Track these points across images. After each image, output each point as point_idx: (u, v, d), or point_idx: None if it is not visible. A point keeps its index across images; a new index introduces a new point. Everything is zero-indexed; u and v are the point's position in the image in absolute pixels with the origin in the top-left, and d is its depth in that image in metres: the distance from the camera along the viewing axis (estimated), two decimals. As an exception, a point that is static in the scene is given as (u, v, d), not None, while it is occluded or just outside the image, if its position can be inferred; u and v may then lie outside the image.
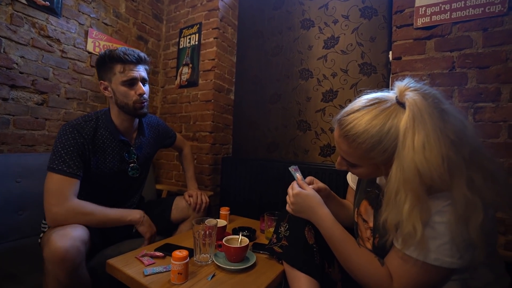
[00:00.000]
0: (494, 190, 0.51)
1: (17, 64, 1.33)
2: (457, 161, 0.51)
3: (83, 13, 1.62)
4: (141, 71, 1.03)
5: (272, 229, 1.08)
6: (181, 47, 2.06)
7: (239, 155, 1.98)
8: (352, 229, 0.83)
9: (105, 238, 1.04)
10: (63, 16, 1.52)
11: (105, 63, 0.99)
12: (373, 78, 1.48)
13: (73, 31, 1.57)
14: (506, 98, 1.03)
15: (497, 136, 1.03)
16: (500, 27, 1.04)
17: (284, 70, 1.78)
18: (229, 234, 1.02)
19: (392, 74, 1.25)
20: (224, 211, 1.24)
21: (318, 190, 0.78)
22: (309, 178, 0.83)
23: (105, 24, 1.76)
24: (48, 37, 1.45)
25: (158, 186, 1.90)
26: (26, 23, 1.36)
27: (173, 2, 2.16)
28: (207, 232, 0.83)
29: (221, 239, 0.87)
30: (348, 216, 0.89)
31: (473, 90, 1.08)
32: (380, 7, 1.47)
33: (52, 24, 1.46)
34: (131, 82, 1.00)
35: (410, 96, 0.55)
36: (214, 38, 1.87)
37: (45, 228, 0.98)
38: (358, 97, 0.65)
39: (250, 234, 1.06)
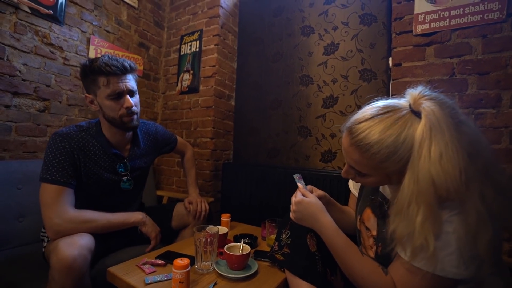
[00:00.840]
0: (503, 204, 0.51)
1: (20, 71, 1.34)
2: (473, 174, 0.50)
3: (85, 21, 1.64)
4: (127, 81, 0.95)
5: (273, 236, 1.07)
6: (182, 53, 2.07)
7: (240, 161, 1.97)
8: (354, 236, 0.82)
9: (106, 246, 1.03)
10: (66, 24, 1.54)
11: (87, 75, 0.92)
12: (373, 84, 1.48)
13: (76, 39, 1.59)
14: (507, 104, 1.03)
15: (498, 142, 1.03)
16: (499, 34, 1.05)
17: (284, 76, 1.79)
18: (230, 241, 1.02)
19: (393, 80, 1.26)
20: (225, 217, 1.24)
21: (318, 198, 0.77)
22: (308, 187, 0.83)
23: (107, 31, 1.78)
24: (51, 44, 1.47)
25: (159, 192, 1.90)
26: (29, 31, 1.38)
27: (174, 10, 2.19)
28: (209, 240, 0.82)
29: (223, 247, 0.86)
30: (349, 223, 0.88)
31: (473, 96, 1.08)
32: (379, 14, 1.48)
33: (55, 32, 1.48)
34: (117, 96, 0.93)
35: (426, 105, 0.54)
36: (215, 44, 1.89)
37: (44, 235, 0.97)
38: (368, 104, 0.63)
39: (252, 241, 1.06)
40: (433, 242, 0.50)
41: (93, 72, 0.90)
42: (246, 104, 1.99)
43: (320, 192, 0.83)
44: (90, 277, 0.84)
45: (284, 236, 0.80)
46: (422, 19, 1.19)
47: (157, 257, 0.90)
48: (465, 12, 1.10)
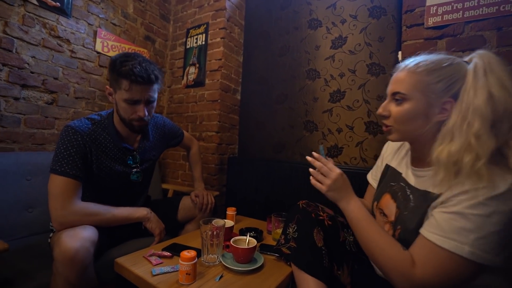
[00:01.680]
0: None
1: (28, 64, 1.35)
2: None
3: (92, 13, 1.64)
4: (148, 92, 0.94)
5: (279, 230, 1.07)
6: (188, 47, 2.06)
7: (245, 155, 1.97)
8: None
9: (111, 238, 1.05)
10: (73, 16, 1.54)
11: (113, 73, 0.92)
12: (381, 78, 1.46)
13: (83, 32, 1.59)
14: (521, 99, 1.00)
15: (511, 138, 1.01)
16: (515, 27, 1.01)
17: (291, 70, 1.77)
18: (236, 235, 1.02)
19: (402, 74, 1.23)
20: (230, 211, 1.24)
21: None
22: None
23: (114, 24, 1.78)
24: (58, 37, 1.47)
25: (164, 186, 1.91)
26: (37, 23, 1.38)
27: (180, 2, 2.17)
28: (215, 233, 0.83)
29: (228, 240, 0.86)
30: None
31: (486, 91, 1.06)
32: (389, 6, 1.45)
33: (62, 25, 1.48)
34: (134, 102, 0.93)
35: (478, 52, 0.60)
36: (221, 38, 1.87)
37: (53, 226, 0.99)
38: None
39: (257, 235, 1.06)
40: (484, 160, 0.51)
41: (119, 74, 0.90)
42: (252, 98, 1.97)
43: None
44: (96, 268, 0.85)
45: (290, 230, 0.80)
46: (434, 11, 1.15)
47: (164, 249, 0.91)
48: (480, 3, 1.07)
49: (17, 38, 1.31)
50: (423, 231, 0.57)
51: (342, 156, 1.56)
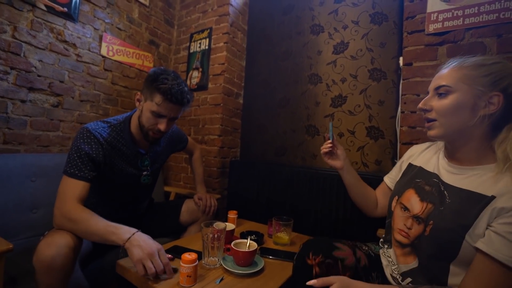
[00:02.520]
0: None
1: (35, 67, 1.38)
2: None
3: (98, 18, 1.67)
4: (177, 112, 1.00)
5: (280, 234, 1.08)
6: (191, 51, 2.09)
7: (247, 159, 1.98)
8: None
9: None
10: (80, 21, 1.57)
11: (151, 84, 0.95)
12: (383, 83, 1.47)
13: (89, 36, 1.62)
14: (522, 105, 1.00)
15: None
16: (515, 34, 1.02)
17: (293, 75, 1.79)
18: (237, 238, 1.03)
19: (403, 80, 1.24)
20: (232, 214, 1.25)
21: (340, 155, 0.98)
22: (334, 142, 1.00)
23: (119, 29, 1.81)
24: (65, 41, 1.50)
25: (166, 188, 1.92)
26: (45, 28, 1.41)
27: (184, 8, 2.20)
28: (216, 236, 0.84)
29: (229, 243, 0.87)
30: (361, 194, 0.98)
31: (486, 97, 1.06)
32: (390, 13, 1.46)
33: (69, 29, 1.52)
34: (159, 116, 0.97)
35: None
36: (224, 43, 1.90)
37: None
38: None
39: (258, 238, 1.06)
40: None
41: (157, 89, 0.94)
42: (254, 102, 1.99)
43: (342, 147, 1.01)
44: (98, 269, 0.86)
45: None
46: (435, 18, 1.17)
47: (165, 251, 0.92)
48: (480, 11, 1.08)
49: (25, 42, 1.34)
50: (492, 251, 0.51)
51: (344, 161, 1.56)
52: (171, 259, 0.88)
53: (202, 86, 1.98)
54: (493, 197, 0.55)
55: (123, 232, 0.79)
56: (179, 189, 1.94)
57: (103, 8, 1.70)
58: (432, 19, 1.17)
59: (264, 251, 0.97)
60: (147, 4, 2.00)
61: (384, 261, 0.78)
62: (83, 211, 0.84)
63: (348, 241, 0.78)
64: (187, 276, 0.72)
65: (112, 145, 0.99)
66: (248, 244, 0.88)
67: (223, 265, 0.83)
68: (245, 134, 2.03)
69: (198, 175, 1.43)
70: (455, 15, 1.13)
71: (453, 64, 0.66)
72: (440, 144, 0.80)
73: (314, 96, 1.69)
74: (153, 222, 1.22)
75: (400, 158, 1.02)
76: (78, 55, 1.57)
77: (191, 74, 2.06)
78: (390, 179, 0.94)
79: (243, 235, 1.09)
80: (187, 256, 0.73)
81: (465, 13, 1.11)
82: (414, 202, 0.71)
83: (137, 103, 1.03)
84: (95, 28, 1.65)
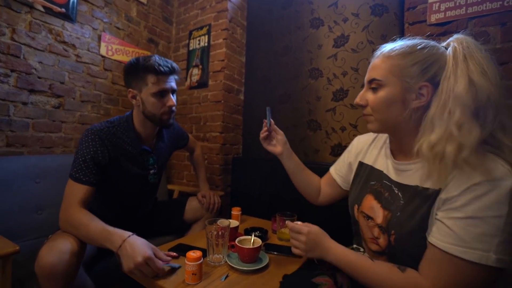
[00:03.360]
0: None
1: (35, 69, 1.38)
2: (500, 104, 0.51)
3: (96, 18, 1.66)
4: (172, 82, 1.01)
5: (284, 230, 1.08)
6: (190, 48, 2.08)
7: (249, 155, 1.98)
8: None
9: None
10: (78, 22, 1.56)
11: (138, 72, 0.95)
12: (385, 76, 1.45)
13: (87, 36, 1.62)
14: (527, 95, 0.99)
15: (517, 135, 1.00)
16: (520, 21, 1.00)
17: (293, 70, 1.77)
18: (241, 235, 1.03)
19: (405, 72, 1.22)
20: (235, 211, 1.25)
21: (281, 139, 0.95)
22: (272, 127, 0.97)
23: (117, 28, 1.80)
24: (64, 42, 1.50)
25: (170, 186, 1.93)
26: (43, 29, 1.41)
27: (182, 5, 2.19)
28: (220, 233, 0.84)
29: (234, 240, 0.87)
30: (303, 182, 0.98)
31: (491, 87, 1.04)
32: (391, 4, 1.44)
33: (67, 30, 1.51)
34: (163, 94, 0.98)
35: (455, 36, 0.58)
36: (223, 39, 1.88)
37: None
38: None
39: (262, 234, 1.07)
40: (468, 152, 0.49)
41: (145, 70, 0.94)
42: (255, 98, 1.98)
43: (282, 133, 0.98)
44: (104, 267, 0.87)
45: None
46: (436, 8, 1.14)
47: (170, 250, 0.92)
48: (483, -1, 1.06)
49: (24, 44, 1.33)
50: (436, 241, 0.52)
51: (346, 155, 1.55)
52: (176, 257, 0.88)
53: (202, 84, 1.97)
54: (440, 190, 0.55)
55: (115, 239, 0.77)
56: (182, 187, 1.94)
57: (101, 7, 1.69)
58: (434, 9, 1.15)
59: (268, 247, 0.97)
60: (145, 2, 1.99)
61: None
62: (84, 216, 0.83)
63: (328, 269, 0.72)
64: (192, 274, 0.72)
65: (118, 146, 0.98)
66: (252, 241, 0.88)
67: (228, 262, 0.83)
68: (247, 131, 2.02)
69: (201, 173, 1.42)
70: (457, 4, 1.10)
71: (384, 52, 0.64)
72: (384, 135, 0.78)
73: (315, 91, 1.68)
74: (157, 220, 1.23)
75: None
76: (77, 56, 1.57)
77: (191, 72, 2.05)
78: (338, 173, 0.92)
79: (247, 232, 1.09)
80: (191, 254, 0.73)
81: (468, 2, 1.08)
82: (376, 209, 0.69)
83: (133, 101, 1.00)
84: (93, 28, 1.65)
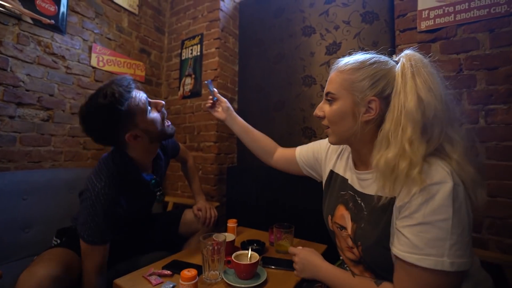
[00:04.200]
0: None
1: (23, 82, 1.35)
2: (445, 119, 0.53)
3: (87, 29, 1.64)
4: (139, 91, 0.91)
5: (281, 242, 1.05)
6: (183, 58, 2.07)
7: (244, 164, 1.96)
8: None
9: (119, 252, 1.03)
10: (68, 33, 1.54)
11: (128, 116, 0.84)
12: (377, 82, 1.46)
13: (78, 47, 1.59)
14: (518, 99, 1.00)
15: (511, 139, 1.00)
16: (507, 27, 1.02)
17: (287, 78, 1.78)
18: (238, 248, 1.00)
19: (398, 78, 1.23)
20: (231, 223, 1.22)
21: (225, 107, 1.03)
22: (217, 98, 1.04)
23: (109, 39, 1.78)
24: (53, 54, 1.47)
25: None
26: (32, 41, 1.38)
27: (174, 15, 2.19)
28: (216, 248, 0.81)
29: (230, 254, 0.84)
30: (252, 142, 1.06)
31: (482, 92, 1.06)
32: (381, 11, 1.46)
33: (57, 41, 1.49)
34: (151, 105, 0.92)
35: (405, 52, 0.59)
36: (216, 48, 1.88)
37: (56, 243, 0.98)
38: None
39: (260, 247, 1.04)
40: (420, 166, 0.50)
41: (130, 111, 0.84)
42: (249, 106, 1.97)
43: (225, 100, 1.06)
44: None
45: None
46: (426, 15, 1.16)
47: (164, 267, 0.89)
48: (471, 6, 1.08)
49: (11, 57, 1.30)
50: (398, 252, 0.52)
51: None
52: (170, 275, 0.85)
53: (195, 93, 1.96)
54: (395, 198, 0.55)
55: None
56: (176, 198, 1.90)
57: (91, 18, 1.67)
58: (423, 16, 1.17)
59: (266, 261, 0.94)
60: (136, 12, 1.98)
61: None
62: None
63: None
64: (187, 293, 0.69)
65: (124, 190, 0.91)
66: (249, 256, 0.85)
67: (224, 279, 0.80)
68: (242, 139, 2.00)
69: (195, 184, 1.37)
70: (446, 11, 1.12)
71: (339, 66, 0.66)
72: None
73: (309, 98, 1.68)
74: (152, 235, 1.18)
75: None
76: (67, 67, 1.54)
77: (184, 81, 2.04)
78: (302, 159, 0.94)
79: (244, 245, 1.06)
80: (186, 273, 0.70)
81: (456, 9, 1.10)
82: (347, 219, 0.70)
83: (138, 140, 0.89)
84: (84, 39, 1.63)
